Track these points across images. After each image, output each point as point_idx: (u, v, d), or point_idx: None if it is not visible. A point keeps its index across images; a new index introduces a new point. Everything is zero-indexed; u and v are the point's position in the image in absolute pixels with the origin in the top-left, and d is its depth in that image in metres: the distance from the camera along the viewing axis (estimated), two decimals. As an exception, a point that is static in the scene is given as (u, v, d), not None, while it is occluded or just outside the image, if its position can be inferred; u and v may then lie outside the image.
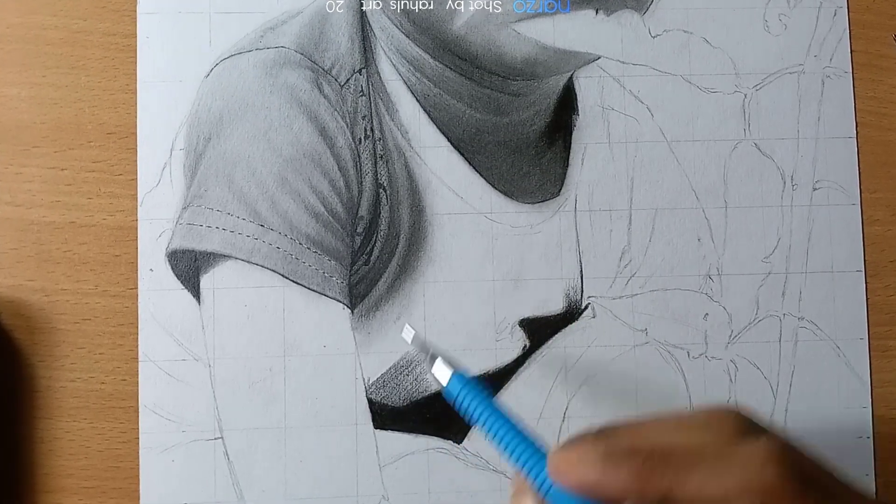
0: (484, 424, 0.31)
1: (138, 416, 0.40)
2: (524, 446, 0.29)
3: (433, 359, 0.33)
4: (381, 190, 0.41)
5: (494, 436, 0.30)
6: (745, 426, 0.28)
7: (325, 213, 0.41)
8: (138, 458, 0.39)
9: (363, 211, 0.41)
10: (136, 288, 0.40)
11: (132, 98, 0.41)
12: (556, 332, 0.41)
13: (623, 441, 0.28)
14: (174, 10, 0.42)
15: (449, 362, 0.33)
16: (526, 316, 0.41)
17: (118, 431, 0.40)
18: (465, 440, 0.40)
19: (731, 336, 0.41)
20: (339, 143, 0.41)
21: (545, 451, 0.29)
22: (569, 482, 0.27)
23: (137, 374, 0.40)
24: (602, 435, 0.29)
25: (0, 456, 0.39)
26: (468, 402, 0.31)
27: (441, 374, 0.33)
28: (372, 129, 0.41)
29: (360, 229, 0.41)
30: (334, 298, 0.40)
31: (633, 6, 0.43)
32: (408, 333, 0.36)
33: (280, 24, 0.42)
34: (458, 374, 0.32)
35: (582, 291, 0.41)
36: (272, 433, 0.40)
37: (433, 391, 0.40)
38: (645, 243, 0.42)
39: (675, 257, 0.42)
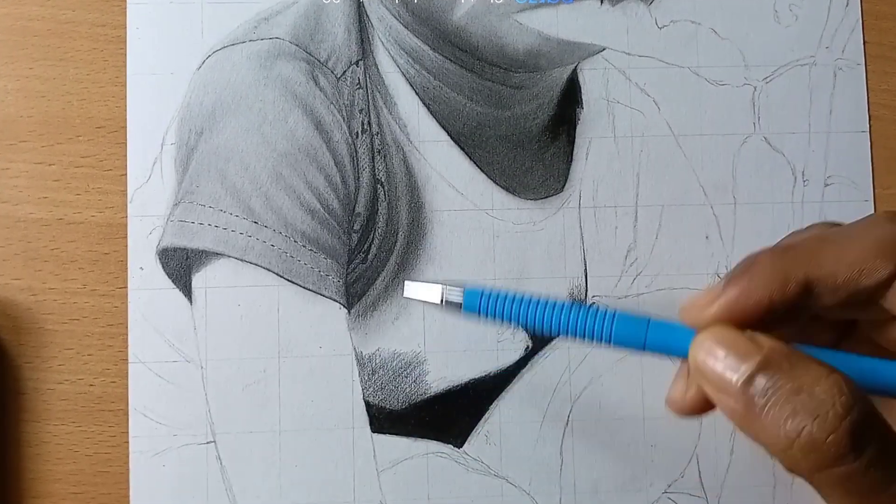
0: (539, 323, 0.29)
1: (128, 420, 0.39)
2: (610, 318, 0.28)
3: (440, 292, 0.31)
4: (378, 186, 0.40)
5: (574, 326, 0.29)
6: (830, 223, 0.29)
7: (321, 209, 0.40)
8: (128, 462, 0.39)
9: (360, 207, 0.40)
10: (126, 287, 0.39)
11: (122, 91, 0.40)
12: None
13: (743, 261, 0.28)
14: (165, 0, 0.41)
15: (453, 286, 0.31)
16: None
17: (107, 435, 0.39)
18: (466, 444, 0.40)
19: (740, 336, 0.40)
20: (335, 138, 0.40)
21: (621, 312, 0.28)
22: (712, 317, 0.27)
23: (127, 376, 0.39)
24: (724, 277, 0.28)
25: (-15, 460, 0.39)
26: (497, 307, 0.30)
27: (454, 296, 0.31)
28: (369, 123, 0.41)
29: (357, 226, 0.40)
30: (330, 298, 0.40)
31: (639, -4, 0.42)
32: (410, 288, 0.33)
33: (274, 14, 0.41)
34: (469, 290, 0.30)
35: (586, 290, 0.41)
36: (266, 437, 0.39)
37: (433, 393, 0.40)
38: (651, 241, 0.41)
39: (683, 255, 0.41)
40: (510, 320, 0.30)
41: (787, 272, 0.27)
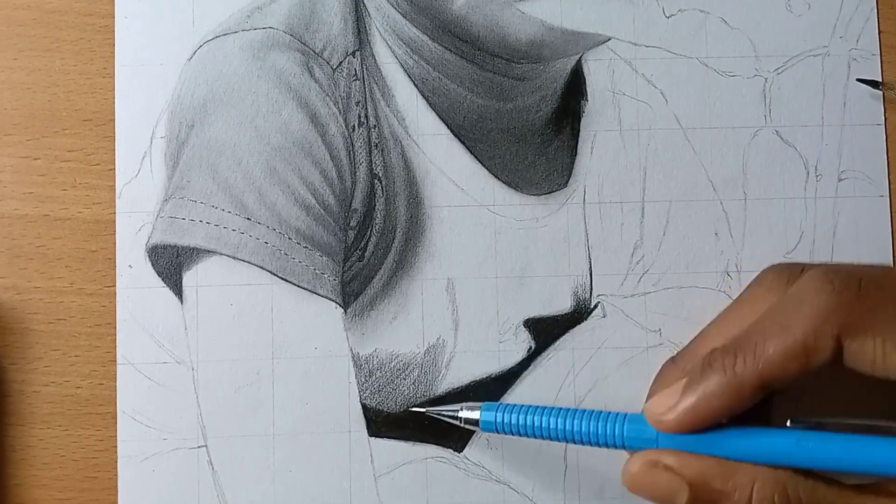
0: (549, 430, 0.33)
1: (116, 423, 0.38)
2: (600, 423, 0.32)
3: (457, 412, 0.36)
4: (376, 181, 0.40)
5: (570, 432, 0.33)
6: (785, 273, 0.31)
7: (317, 205, 0.39)
8: (116, 467, 0.38)
9: (357, 203, 0.39)
10: (114, 286, 0.39)
11: (110, 83, 0.39)
12: (563, 333, 0.39)
13: (696, 357, 0.31)
14: (155, -11, 0.40)
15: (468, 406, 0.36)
16: (531, 315, 0.39)
17: (95, 439, 0.38)
18: (466, 449, 0.39)
19: (750, 337, 0.40)
20: (331, 131, 0.39)
21: (616, 413, 0.32)
22: (673, 425, 0.30)
23: (115, 378, 0.38)
24: (677, 363, 0.33)
25: (-31, 465, 0.38)
26: (514, 420, 0.34)
27: (471, 415, 0.36)
28: (366, 116, 0.40)
29: (353, 223, 0.39)
30: (326, 297, 0.39)
31: (646, -16, 0.41)
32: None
33: (268, 3, 0.40)
34: (486, 405, 0.35)
35: (591, 289, 0.40)
36: (259, 441, 0.38)
37: (432, 396, 0.39)
38: (658, 238, 0.40)
39: (691, 253, 0.40)
40: (526, 434, 0.34)
41: (740, 380, 0.29)
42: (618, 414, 0.32)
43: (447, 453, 0.39)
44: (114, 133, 0.39)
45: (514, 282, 0.40)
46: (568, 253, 0.40)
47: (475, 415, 0.35)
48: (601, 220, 0.40)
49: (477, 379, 0.39)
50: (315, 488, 0.38)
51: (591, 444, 0.33)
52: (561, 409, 0.33)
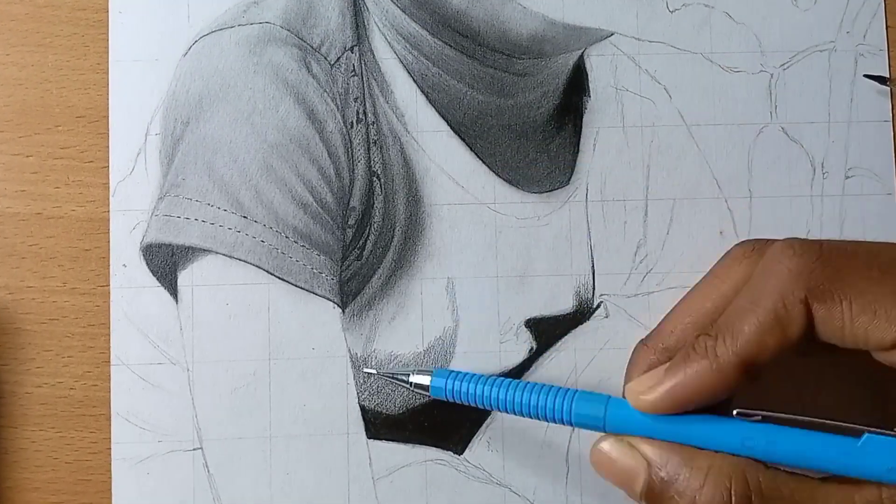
0: (501, 402, 0.33)
1: (110, 425, 0.38)
2: (549, 398, 0.32)
3: (408, 375, 0.36)
4: (374, 178, 0.39)
5: (518, 404, 0.33)
6: (752, 247, 0.32)
7: (314, 203, 0.39)
8: (110, 470, 0.37)
9: (355, 201, 0.39)
10: (108, 285, 0.38)
11: (104, 78, 0.39)
12: (565, 333, 0.39)
13: (666, 336, 0.33)
14: (149, -17, 0.39)
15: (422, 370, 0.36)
16: (532, 315, 0.39)
17: (88, 441, 0.38)
18: (467, 451, 0.38)
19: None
20: (328, 128, 0.39)
21: (587, 392, 0.32)
22: (651, 405, 0.30)
23: (109, 379, 0.38)
24: (649, 345, 0.33)
25: (-40, 468, 0.37)
26: (463, 388, 0.34)
27: (422, 380, 0.35)
28: (365, 112, 0.39)
29: (351, 221, 0.39)
30: (324, 296, 0.38)
31: (650, -22, 0.41)
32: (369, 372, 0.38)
33: None
34: (437, 371, 0.35)
35: (593, 289, 0.39)
36: (256, 443, 0.38)
37: (431, 398, 0.38)
38: (662, 236, 0.40)
39: (695, 252, 0.40)
40: (475, 402, 0.34)
41: (721, 362, 0.29)
42: (568, 390, 0.32)
43: (447, 455, 0.38)
44: (108, 130, 0.39)
45: (515, 281, 0.39)
46: (570, 252, 0.39)
47: (426, 380, 0.35)
48: (604, 218, 0.40)
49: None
50: (313, 492, 0.38)
51: (538, 419, 0.33)
52: (513, 381, 0.34)
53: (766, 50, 0.41)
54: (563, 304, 0.39)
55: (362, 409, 0.38)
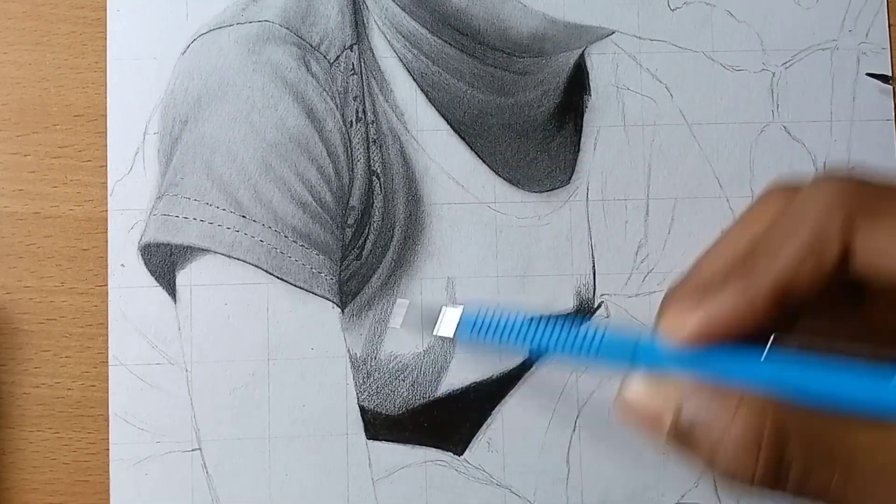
0: (532, 341, 0.30)
1: (108, 426, 0.37)
2: (590, 336, 0.30)
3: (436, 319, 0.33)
4: (374, 177, 0.39)
5: (553, 345, 0.30)
6: (788, 186, 0.30)
7: (313, 202, 0.38)
8: (108, 471, 0.37)
9: (354, 200, 0.39)
10: (106, 285, 0.38)
11: (102, 77, 0.39)
12: None
13: (701, 277, 0.30)
14: (148, -19, 0.39)
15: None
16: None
17: (86, 442, 0.38)
18: (467, 452, 0.38)
19: (757, 337, 0.39)
20: (328, 127, 0.39)
21: (608, 328, 0.30)
22: (685, 336, 0.28)
23: (107, 380, 0.38)
24: (682, 286, 0.31)
25: (-43, 469, 0.37)
26: (499, 328, 0.31)
27: (450, 319, 0.32)
28: (364, 111, 0.39)
29: (351, 221, 0.39)
30: (323, 296, 0.38)
31: (651, -24, 0.40)
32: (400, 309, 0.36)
33: None
34: (466, 310, 0.32)
35: (594, 289, 0.39)
36: (255, 444, 0.38)
37: (431, 398, 0.38)
38: (664, 236, 0.39)
39: (697, 251, 0.38)
40: (502, 341, 0.31)
41: (754, 292, 0.28)
42: (599, 324, 0.31)
43: (447, 456, 0.38)
44: (106, 129, 0.39)
45: (515, 281, 0.39)
46: (570, 251, 0.39)
47: (454, 318, 0.33)
48: (605, 217, 0.40)
49: (477, 380, 0.38)
50: (312, 492, 0.38)
51: (564, 354, 0.31)
52: (540, 316, 0.32)
53: (767, 48, 0.40)
54: (564, 305, 0.39)
55: (362, 409, 0.38)
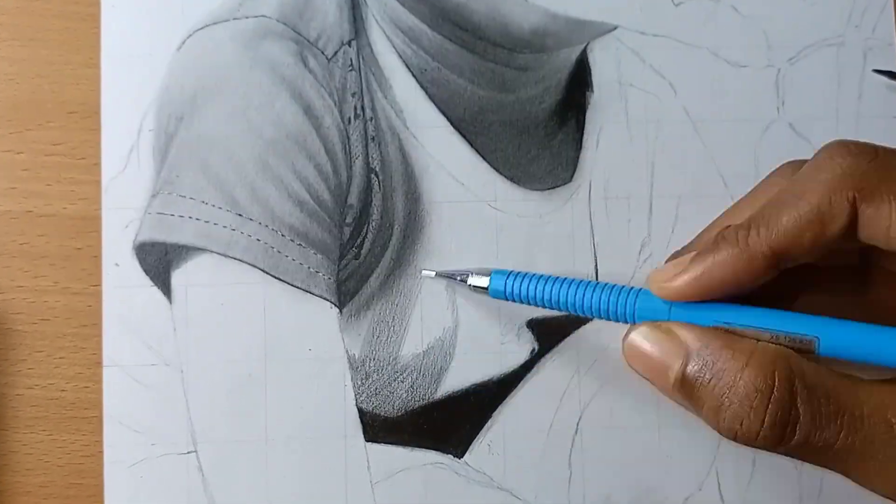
0: (553, 300, 0.33)
1: (102, 428, 0.37)
2: (612, 295, 0.32)
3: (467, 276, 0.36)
4: (372, 175, 0.38)
5: (575, 304, 0.33)
6: (797, 161, 0.31)
7: (311, 201, 0.38)
8: (102, 473, 0.37)
9: (353, 199, 0.38)
10: (100, 285, 0.37)
11: (96, 73, 0.38)
12: (567, 335, 0.38)
13: (706, 234, 0.32)
14: (143, -24, 0.39)
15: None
16: (534, 316, 0.38)
17: (80, 444, 0.37)
18: (467, 454, 0.38)
19: (762, 338, 0.39)
20: (326, 124, 0.38)
21: (620, 286, 0.32)
22: (675, 291, 0.29)
23: (101, 381, 0.37)
24: (687, 247, 0.33)
25: (-51, 472, 0.37)
26: (523, 287, 0.34)
27: (480, 281, 0.36)
28: (363, 108, 0.38)
29: (349, 219, 0.38)
30: (321, 296, 0.38)
31: (654, -30, 0.40)
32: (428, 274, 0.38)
33: None
34: (496, 271, 0.35)
35: None
36: (251, 446, 0.37)
37: (431, 400, 0.38)
38: (667, 234, 0.39)
39: None
40: (534, 301, 0.34)
41: (751, 250, 0.28)
42: (631, 288, 0.32)
43: (447, 459, 0.37)
44: (100, 126, 0.38)
45: (516, 280, 0.38)
46: (573, 250, 0.39)
47: (484, 281, 0.35)
48: (607, 216, 0.39)
49: (478, 382, 0.38)
50: (309, 496, 0.37)
51: (600, 317, 0.32)
52: (571, 280, 0.33)
53: (772, 44, 0.40)
54: (566, 304, 0.39)
55: (360, 411, 0.37)
